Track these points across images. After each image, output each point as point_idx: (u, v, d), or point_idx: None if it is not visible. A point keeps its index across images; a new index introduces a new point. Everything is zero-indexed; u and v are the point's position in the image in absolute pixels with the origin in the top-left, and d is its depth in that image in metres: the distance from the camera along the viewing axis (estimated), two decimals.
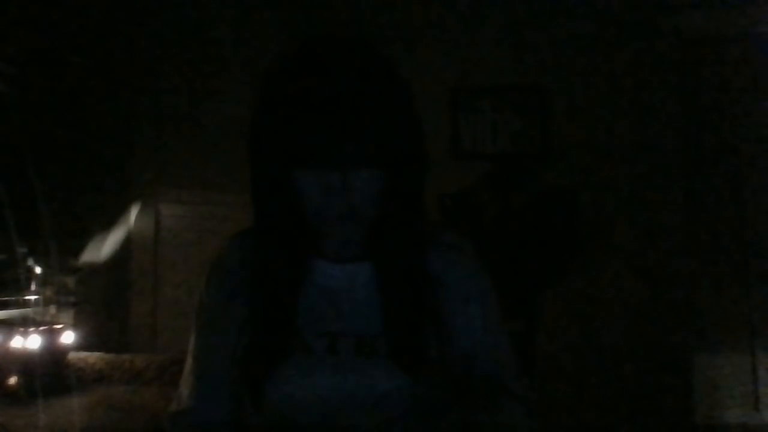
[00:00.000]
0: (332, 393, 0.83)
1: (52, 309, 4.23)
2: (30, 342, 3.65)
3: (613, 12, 3.57)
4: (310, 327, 0.87)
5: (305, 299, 0.89)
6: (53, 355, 3.78)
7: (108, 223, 4.30)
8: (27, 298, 4.10)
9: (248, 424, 0.87)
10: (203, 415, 0.89)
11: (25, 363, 3.59)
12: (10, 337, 3.66)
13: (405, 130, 0.85)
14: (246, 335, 0.88)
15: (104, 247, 4.31)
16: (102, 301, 4.30)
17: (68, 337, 3.91)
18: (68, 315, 4.27)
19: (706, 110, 3.52)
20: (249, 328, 0.88)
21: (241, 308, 0.89)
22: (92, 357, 4.08)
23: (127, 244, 4.31)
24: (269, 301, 0.88)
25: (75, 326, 4.14)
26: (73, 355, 3.99)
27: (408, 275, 0.89)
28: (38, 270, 4.16)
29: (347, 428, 0.83)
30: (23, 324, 3.82)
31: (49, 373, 3.66)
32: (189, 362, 0.93)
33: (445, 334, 0.89)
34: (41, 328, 3.79)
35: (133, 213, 4.32)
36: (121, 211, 4.31)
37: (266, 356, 0.85)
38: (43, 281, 4.18)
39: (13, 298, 4.05)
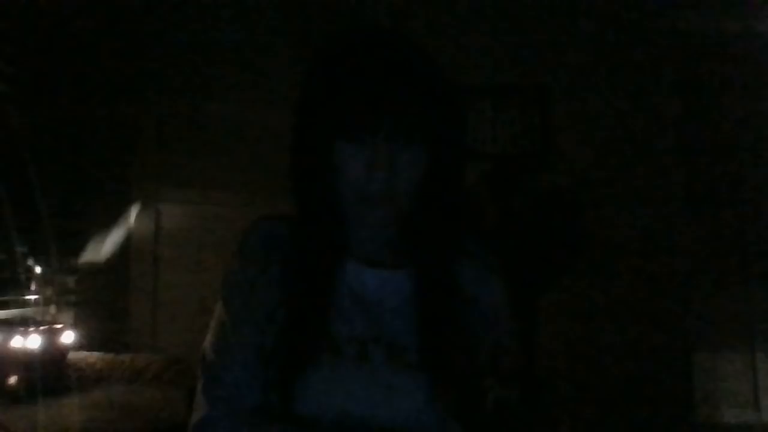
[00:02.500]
0: (364, 401, 0.81)
1: (52, 309, 4.23)
2: (30, 342, 3.65)
3: (613, 12, 3.57)
4: (339, 329, 0.85)
5: (335, 300, 0.87)
6: (53, 355, 3.78)
7: (108, 223, 4.30)
8: (27, 298, 4.09)
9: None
10: (245, 399, 0.83)
11: (25, 363, 3.59)
12: (10, 337, 3.65)
13: (449, 113, 0.86)
14: (275, 327, 0.84)
15: (104, 247, 4.31)
16: (102, 301, 4.30)
17: (68, 337, 3.91)
18: (68, 315, 4.27)
19: (706, 110, 3.52)
20: (278, 320, 0.85)
21: (270, 294, 0.86)
22: (92, 357, 4.08)
23: (127, 244, 4.31)
24: (302, 297, 0.85)
25: (75, 326, 4.14)
26: (73, 355, 3.99)
27: (444, 288, 0.88)
28: (38, 270, 4.16)
29: None
30: (23, 324, 3.82)
31: (49, 373, 3.65)
32: (219, 342, 0.87)
33: (471, 345, 0.88)
34: (41, 328, 3.78)
35: (133, 213, 4.32)
36: (121, 211, 4.31)
37: (296, 356, 0.82)
38: (43, 281, 4.18)
39: (13, 298, 4.04)
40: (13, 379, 3.60)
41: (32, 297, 4.12)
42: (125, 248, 4.31)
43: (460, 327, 0.87)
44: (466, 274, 0.91)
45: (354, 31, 0.86)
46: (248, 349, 0.85)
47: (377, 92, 0.79)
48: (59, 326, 3.95)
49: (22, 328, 3.71)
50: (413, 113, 0.81)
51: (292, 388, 0.82)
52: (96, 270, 4.30)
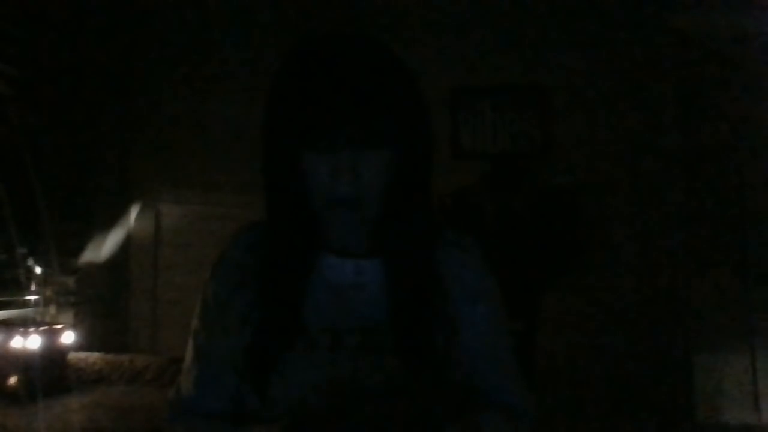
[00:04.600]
0: (335, 387, 0.83)
1: (52, 309, 4.23)
2: (30, 342, 3.65)
3: (613, 12, 3.57)
4: (314, 321, 0.86)
5: (311, 293, 0.88)
6: (53, 355, 3.78)
7: (108, 223, 4.30)
8: (27, 298, 4.10)
9: (254, 416, 0.87)
10: (203, 405, 0.89)
11: (25, 363, 3.59)
12: (10, 337, 3.66)
13: (413, 113, 0.86)
14: (250, 327, 0.87)
15: (104, 247, 4.31)
16: (102, 301, 4.30)
17: (68, 337, 3.91)
18: (68, 315, 4.27)
19: (706, 110, 3.52)
20: (253, 320, 0.87)
21: (246, 300, 0.89)
22: (92, 357, 4.08)
23: (127, 244, 4.31)
24: (275, 292, 0.87)
25: (75, 326, 4.14)
26: (73, 355, 3.99)
27: (417, 272, 0.89)
28: (38, 270, 4.16)
29: (350, 418, 0.82)
30: (23, 324, 3.82)
31: (49, 373, 3.66)
32: (190, 353, 0.93)
33: (451, 332, 0.89)
34: (41, 328, 3.79)
35: (133, 213, 4.32)
36: (121, 211, 4.31)
37: (270, 349, 0.85)
38: (43, 281, 4.18)
39: (13, 298, 4.05)
40: (13, 379, 3.61)
41: (32, 297, 4.12)
42: (125, 248, 4.31)
43: (437, 311, 0.89)
44: (445, 259, 0.92)
45: (314, 38, 0.86)
46: (218, 358, 0.90)
47: (335, 100, 0.79)
48: (59, 326, 3.95)
49: (22, 329, 3.72)
50: (373, 119, 0.81)
51: (266, 383, 0.84)
52: (96, 270, 4.30)
